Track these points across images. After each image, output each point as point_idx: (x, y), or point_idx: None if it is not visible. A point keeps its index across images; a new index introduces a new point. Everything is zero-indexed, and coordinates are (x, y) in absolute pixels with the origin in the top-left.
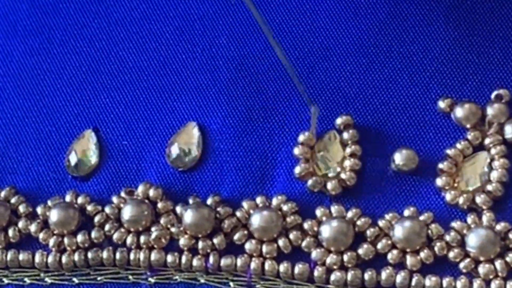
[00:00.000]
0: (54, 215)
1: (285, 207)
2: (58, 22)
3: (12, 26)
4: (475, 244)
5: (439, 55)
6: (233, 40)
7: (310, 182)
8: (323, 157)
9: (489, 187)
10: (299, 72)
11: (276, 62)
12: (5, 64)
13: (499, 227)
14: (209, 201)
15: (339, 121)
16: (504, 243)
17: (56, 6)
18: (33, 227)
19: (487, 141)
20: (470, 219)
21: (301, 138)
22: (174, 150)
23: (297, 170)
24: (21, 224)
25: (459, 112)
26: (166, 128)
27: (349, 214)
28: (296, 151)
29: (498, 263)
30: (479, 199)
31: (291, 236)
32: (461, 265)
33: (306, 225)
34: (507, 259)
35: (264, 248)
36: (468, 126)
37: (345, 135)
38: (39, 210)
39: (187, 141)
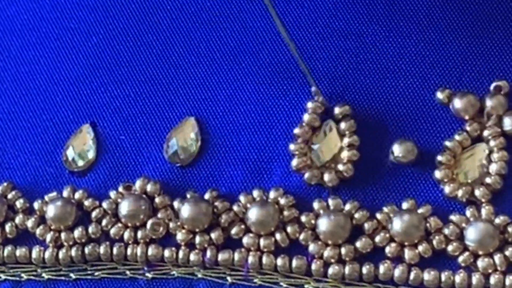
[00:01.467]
0: (51, 211)
1: (282, 201)
2: (55, 16)
3: (9, 20)
4: (474, 237)
5: (438, 46)
6: (230, 33)
7: (307, 175)
8: (319, 149)
9: (488, 180)
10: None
11: (276, 56)
12: (2, 58)
13: (498, 220)
14: (207, 196)
15: (337, 110)
16: (503, 237)
17: (52, 1)
18: (30, 223)
19: (486, 133)
20: (469, 212)
21: (296, 130)
22: (172, 146)
23: (294, 163)
24: (18, 219)
25: (458, 103)
26: (164, 123)
27: (347, 207)
28: (292, 147)
29: (497, 257)
30: (478, 192)
31: (289, 229)
32: (460, 259)
33: (303, 219)
34: (506, 253)
35: (262, 242)
36: (466, 117)
37: (343, 125)
38: (36, 205)
39: (185, 136)
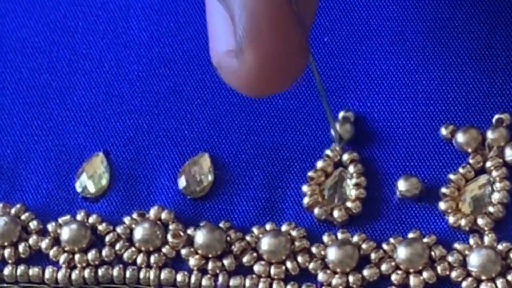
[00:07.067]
0: (65, 233)
1: (294, 233)
2: (66, 40)
3: (20, 42)
4: (476, 263)
5: (442, 83)
6: None
7: (317, 210)
8: (331, 195)
9: (491, 209)
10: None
11: (291, 98)
12: (14, 81)
13: (501, 246)
14: (221, 225)
15: (345, 157)
16: (505, 262)
17: (64, 25)
18: (43, 244)
19: (488, 164)
20: (472, 240)
21: (310, 174)
22: (185, 179)
23: (305, 200)
24: (31, 240)
25: (461, 137)
26: (177, 155)
27: (355, 239)
28: (305, 188)
29: (500, 282)
30: (480, 221)
31: (299, 259)
32: (464, 284)
33: (314, 250)
34: (509, 277)
35: (273, 270)
36: (469, 150)
37: (351, 169)
38: (50, 227)
39: (199, 170)
